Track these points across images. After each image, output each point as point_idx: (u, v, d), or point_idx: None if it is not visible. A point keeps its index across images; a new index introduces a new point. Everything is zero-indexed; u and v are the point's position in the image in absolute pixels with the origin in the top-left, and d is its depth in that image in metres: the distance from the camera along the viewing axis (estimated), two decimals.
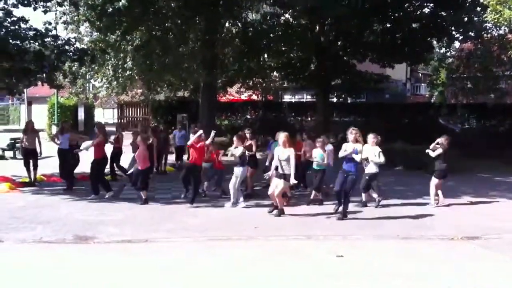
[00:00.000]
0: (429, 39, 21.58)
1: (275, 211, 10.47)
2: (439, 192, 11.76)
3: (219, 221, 10.00)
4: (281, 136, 10.55)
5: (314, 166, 11.57)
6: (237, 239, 8.67)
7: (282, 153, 10.27)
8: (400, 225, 9.81)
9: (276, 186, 10.33)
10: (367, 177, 11.29)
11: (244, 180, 11.97)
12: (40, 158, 14.09)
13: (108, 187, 12.29)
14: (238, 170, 11.24)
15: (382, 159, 11.02)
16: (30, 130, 14.09)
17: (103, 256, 7.68)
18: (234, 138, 11.68)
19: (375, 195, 11.52)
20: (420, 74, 46.88)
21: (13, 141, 20.47)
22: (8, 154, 20.09)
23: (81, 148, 13.56)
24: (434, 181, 11.73)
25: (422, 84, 46.01)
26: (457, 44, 26.64)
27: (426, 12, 21.34)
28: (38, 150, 13.93)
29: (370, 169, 11.21)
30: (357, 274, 6.80)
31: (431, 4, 21.19)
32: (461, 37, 21.19)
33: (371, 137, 11.20)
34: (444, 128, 25.27)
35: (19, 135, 17.06)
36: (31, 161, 13.88)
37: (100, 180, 12.25)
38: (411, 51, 21.34)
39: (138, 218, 10.15)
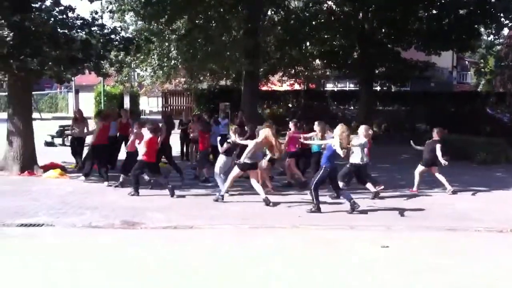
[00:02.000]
0: (476, 25, 20.98)
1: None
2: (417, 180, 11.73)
3: (262, 209, 10.05)
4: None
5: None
6: (279, 227, 8.71)
7: None
8: (446, 216, 9.63)
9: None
10: (348, 166, 10.86)
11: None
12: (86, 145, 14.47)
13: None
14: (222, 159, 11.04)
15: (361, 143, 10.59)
16: (80, 119, 14.53)
17: (151, 241, 7.86)
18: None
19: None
20: (466, 62, 45.61)
21: (61, 128, 21.05)
22: (57, 141, 20.67)
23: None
24: (419, 168, 11.73)
25: (469, 72, 44.81)
26: (506, 31, 25.82)
27: None
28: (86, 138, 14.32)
29: (354, 159, 10.71)
30: (403, 266, 6.73)
31: None
32: (510, 24, 20.48)
33: (362, 129, 10.88)
34: (492, 118, 24.70)
35: (68, 122, 17.54)
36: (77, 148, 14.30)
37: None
38: (458, 38, 20.77)
39: (182, 205, 10.30)
